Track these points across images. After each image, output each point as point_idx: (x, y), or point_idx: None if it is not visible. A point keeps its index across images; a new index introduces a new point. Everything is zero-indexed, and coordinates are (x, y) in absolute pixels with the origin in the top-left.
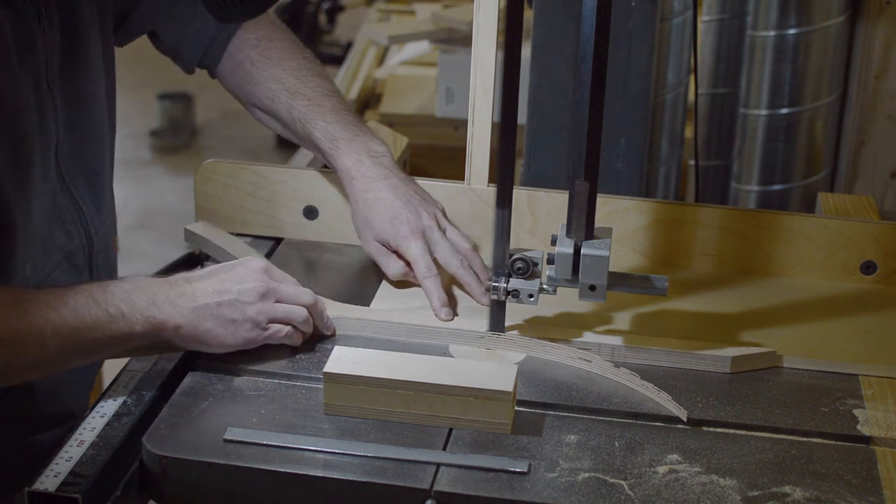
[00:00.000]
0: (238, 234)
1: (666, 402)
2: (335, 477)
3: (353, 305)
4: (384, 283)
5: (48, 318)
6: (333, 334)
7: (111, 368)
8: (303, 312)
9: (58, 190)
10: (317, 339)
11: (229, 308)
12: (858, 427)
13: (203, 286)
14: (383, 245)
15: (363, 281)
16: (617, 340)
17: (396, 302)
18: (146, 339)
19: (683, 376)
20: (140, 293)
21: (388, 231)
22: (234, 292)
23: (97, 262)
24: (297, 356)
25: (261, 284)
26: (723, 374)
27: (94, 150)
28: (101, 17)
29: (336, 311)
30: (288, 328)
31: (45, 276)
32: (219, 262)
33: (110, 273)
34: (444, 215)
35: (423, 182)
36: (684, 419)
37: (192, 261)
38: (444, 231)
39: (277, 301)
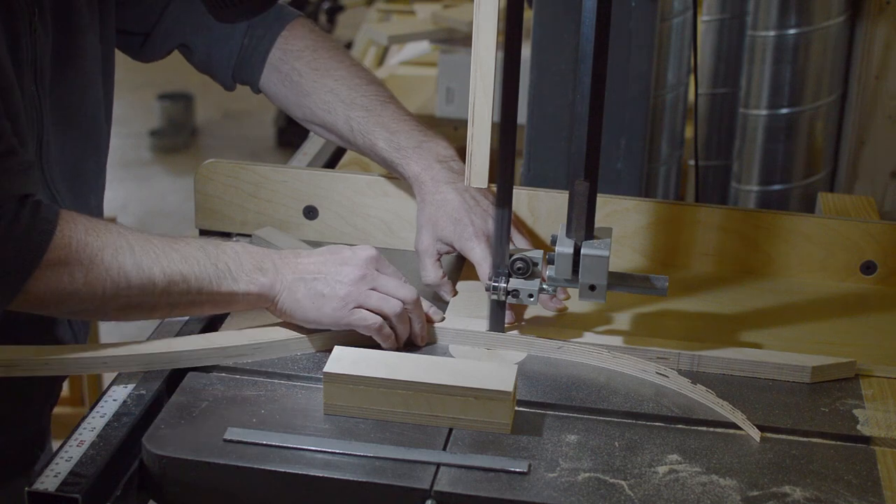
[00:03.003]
0: (239, 234)
1: (741, 422)
2: (335, 477)
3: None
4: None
5: (157, 258)
6: (424, 344)
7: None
8: (397, 305)
9: (40, 192)
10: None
11: (322, 283)
12: (858, 427)
13: (307, 261)
14: (443, 244)
15: None
16: (696, 349)
17: (470, 310)
18: (247, 303)
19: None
20: (248, 256)
21: (452, 232)
22: (333, 271)
23: None
24: (298, 356)
25: (360, 269)
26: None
27: (80, 156)
28: (102, 25)
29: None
30: (377, 319)
31: None
32: None
33: None
34: (513, 222)
35: None
36: (757, 439)
37: None
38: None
39: (373, 290)
